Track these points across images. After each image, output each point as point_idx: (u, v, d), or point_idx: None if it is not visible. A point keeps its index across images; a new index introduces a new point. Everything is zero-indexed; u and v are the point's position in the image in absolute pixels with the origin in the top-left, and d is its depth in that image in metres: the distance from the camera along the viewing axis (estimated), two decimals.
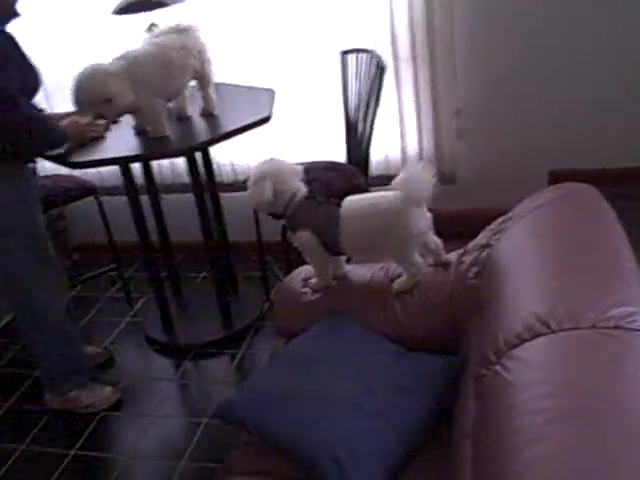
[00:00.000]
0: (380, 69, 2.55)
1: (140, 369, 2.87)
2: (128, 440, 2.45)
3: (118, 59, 2.32)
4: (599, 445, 0.93)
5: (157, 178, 3.12)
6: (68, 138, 2.37)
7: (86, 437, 2.47)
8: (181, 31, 2.47)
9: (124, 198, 2.76)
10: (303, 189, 1.90)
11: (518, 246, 1.56)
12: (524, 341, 1.21)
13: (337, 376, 1.62)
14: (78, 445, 2.43)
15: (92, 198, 3.02)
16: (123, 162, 2.56)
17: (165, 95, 2.45)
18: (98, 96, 2.26)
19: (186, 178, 3.22)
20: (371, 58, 2.64)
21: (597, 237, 1.46)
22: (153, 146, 2.45)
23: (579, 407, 1.01)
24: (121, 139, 2.50)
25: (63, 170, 2.66)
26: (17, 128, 2.13)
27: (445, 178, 3.01)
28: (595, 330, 1.15)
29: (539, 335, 1.20)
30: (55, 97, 3.23)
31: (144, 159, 2.76)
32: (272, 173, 1.86)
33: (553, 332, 1.19)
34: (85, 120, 2.41)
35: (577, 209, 1.59)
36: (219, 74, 2.67)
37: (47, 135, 2.28)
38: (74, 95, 2.28)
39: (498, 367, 1.22)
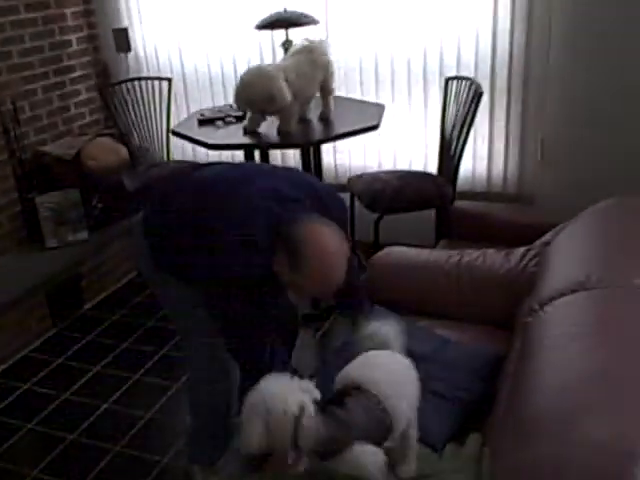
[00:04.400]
0: (478, 95, 2.95)
1: None
2: None
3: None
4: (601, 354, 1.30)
5: None
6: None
7: None
8: (312, 49, 2.95)
9: None
10: None
11: (571, 237, 1.93)
12: (563, 295, 1.58)
13: None
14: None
15: None
16: (252, 148, 3.04)
17: (300, 100, 2.89)
18: (264, 94, 2.52)
19: None
20: (471, 85, 3.04)
21: None
22: (280, 139, 2.90)
23: (595, 331, 1.38)
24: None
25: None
26: None
27: (525, 199, 3.37)
28: (621, 289, 1.52)
29: (576, 291, 1.56)
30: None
31: (272, 146, 3.21)
32: None
33: (587, 289, 1.55)
34: None
35: (627, 210, 1.94)
36: (338, 87, 3.13)
37: None
38: (240, 92, 2.56)
39: (540, 313, 1.59)
